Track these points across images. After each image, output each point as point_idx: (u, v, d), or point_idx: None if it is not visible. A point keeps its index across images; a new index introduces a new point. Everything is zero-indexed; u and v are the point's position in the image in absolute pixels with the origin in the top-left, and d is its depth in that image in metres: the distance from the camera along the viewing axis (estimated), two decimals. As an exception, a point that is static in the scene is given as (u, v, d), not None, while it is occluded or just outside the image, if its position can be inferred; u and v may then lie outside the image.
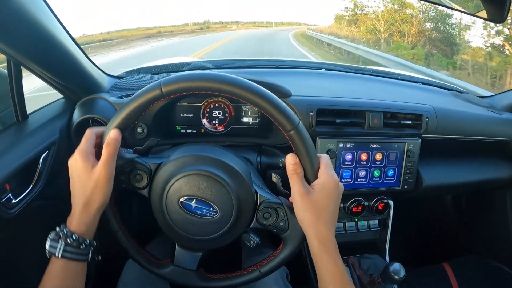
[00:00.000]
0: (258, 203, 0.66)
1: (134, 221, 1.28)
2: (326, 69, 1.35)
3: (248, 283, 0.70)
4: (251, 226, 0.67)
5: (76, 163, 0.58)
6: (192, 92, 0.58)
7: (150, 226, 1.03)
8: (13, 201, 0.75)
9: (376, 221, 1.16)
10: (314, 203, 0.59)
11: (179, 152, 0.67)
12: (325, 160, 0.62)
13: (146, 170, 0.65)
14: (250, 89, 0.57)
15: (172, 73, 1.17)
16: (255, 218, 0.67)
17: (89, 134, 0.61)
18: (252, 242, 0.70)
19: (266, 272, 0.69)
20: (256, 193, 0.66)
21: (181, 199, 0.64)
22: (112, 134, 0.58)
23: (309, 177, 0.61)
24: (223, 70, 1.28)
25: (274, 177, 0.71)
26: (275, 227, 0.66)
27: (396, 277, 0.94)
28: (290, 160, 0.60)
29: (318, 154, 0.62)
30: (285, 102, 0.60)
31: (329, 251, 0.59)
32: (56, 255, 0.55)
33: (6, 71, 0.86)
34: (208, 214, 0.64)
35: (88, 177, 0.58)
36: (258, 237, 0.70)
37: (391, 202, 1.12)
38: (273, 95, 0.58)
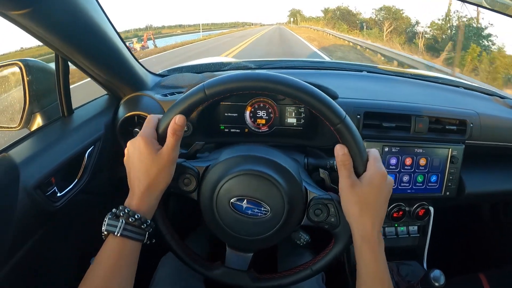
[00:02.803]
0: (309, 200, 0.66)
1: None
2: (368, 72, 1.34)
3: (300, 281, 0.69)
4: (302, 223, 0.67)
5: (139, 147, 0.59)
6: (235, 92, 0.58)
7: (184, 224, 1.04)
8: (58, 194, 0.77)
9: (416, 228, 1.14)
10: (360, 196, 0.58)
11: (226, 153, 0.68)
12: (374, 153, 0.62)
13: (194, 174, 0.66)
14: (294, 85, 0.57)
15: (214, 72, 1.18)
16: (305, 216, 0.66)
17: (152, 119, 0.62)
18: (302, 240, 0.70)
19: (318, 270, 0.68)
20: (306, 190, 0.66)
21: (232, 200, 0.64)
22: (178, 121, 0.58)
23: (358, 168, 0.60)
24: (265, 70, 1.27)
25: (322, 173, 0.71)
26: (326, 223, 0.65)
27: (436, 284, 0.93)
28: (339, 151, 0.59)
29: (368, 149, 0.62)
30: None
31: (371, 247, 0.58)
32: (116, 233, 0.56)
33: (51, 67, 0.88)
34: (259, 214, 0.64)
35: (152, 161, 0.58)
36: (308, 235, 0.70)
37: (431, 209, 1.10)
38: (318, 90, 0.58)
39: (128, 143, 0.61)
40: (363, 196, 0.58)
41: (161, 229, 0.69)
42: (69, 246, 0.91)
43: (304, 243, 0.70)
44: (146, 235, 0.59)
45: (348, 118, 0.58)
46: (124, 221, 0.56)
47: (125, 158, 0.62)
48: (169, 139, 0.59)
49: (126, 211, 0.57)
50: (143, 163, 0.58)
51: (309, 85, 0.58)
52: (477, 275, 1.36)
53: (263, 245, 0.69)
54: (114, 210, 0.58)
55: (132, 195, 0.59)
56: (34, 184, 0.69)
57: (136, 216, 0.57)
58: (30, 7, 0.57)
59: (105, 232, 0.57)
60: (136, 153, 0.59)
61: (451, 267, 1.41)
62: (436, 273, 0.96)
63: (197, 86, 0.58)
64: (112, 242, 0.56)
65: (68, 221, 0.87)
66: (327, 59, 10.43)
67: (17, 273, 0.69)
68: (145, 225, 0.58)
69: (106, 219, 0.57)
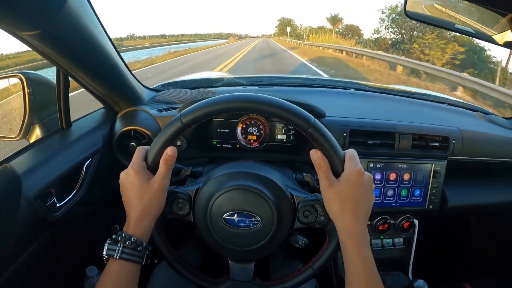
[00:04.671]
0: (296, 204, 0.69)
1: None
2: (356, 89, 1.39)
3: (304, 282, 0.72)
4: (294, 227, 0.70)
5: (131, 177, 0.64)
6: (210, 117, 0.63)
7: (176, 235, 1.06)
8: (57, 205, 0.80)
9: (401, 239, 1.17)
10: (338, 195, 0.61)
11: (212, 174, 0.72)
12: (350, 153, 0.65)
13: (186, 198, 0.70)
14: (262, 101, 0.61)
15: (207, 88, 1.22)
16: (296, 219, 0.69)
17: (141, 151, 0.66)
18: (300, 243, 0.74)
19: (318, 268, 0.71)
20: (292, 195, 0.70)
21: (224, 216, 0.67)
22: (169, 152, 0.63)
23: (336, 168, 0.63)
24: (256, 87, 1.33)
25: (306, 176, 0.75)
26: (317, 222, 0.68)
27: (420, 293, 0.96)
28: (314, 155, 0.63)
29: (345, 150, 0.65)
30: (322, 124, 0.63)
31: (354, 240, 0.61)
32: (115, 256, 0.60)
33: (51, 80, 0.91)
34: (251, 225, 0.67)
35: (145, 189, 0.63)
36: (305, 237, 0.74)
37: (416, 221, 1.14)
38: (283, 100, 0.62)
39: (121, 174, 0.66)
40: (341, 194, 0.61)
41: (166, 256, 0.73)
42: (66, 255, 0.93)
43: (303, 245, 0.74)
44: (144, 258, 0.64)
45: (317, 122, 0.62)
46: (121, 245, 0.61)
47: (120, 188, 0.67)
48: (161, 168, 0.64)
49: (123, 235, 0.62)
50: (135, 192, 0.63)
51: (276, 98, 0.62)
52: (463, 286, 1.40)
53: (263, 253, 0.72)
54: (114, 236, 0.62)
55: (128, 221, 0.64)
56: (35, 194, 0.72)
57: (132, 239, 0.61)
58: (39, 30, 0.61)
59: (106, 256, 0.61)
60: (128, 184, 0.64)
61: (437, 277, 1.45)
62: (420, 283, 0.99)
63: (175, 117, 0.63)
64: (112, 265, 0.61)
65: (66, 230, 0.89)
66: (325, 76, 10.29)
67: (16, 280, 0.71)
68: (140, 247, 0.62)
69: (106, 245, 0.62)
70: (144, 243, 0.63)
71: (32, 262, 0.76)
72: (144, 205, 0.63)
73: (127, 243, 0.61)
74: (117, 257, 0.60)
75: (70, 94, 0.90)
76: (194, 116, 0.62)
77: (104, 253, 0.61)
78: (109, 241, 0.62)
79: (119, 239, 0.61)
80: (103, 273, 0.61)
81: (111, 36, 0.85)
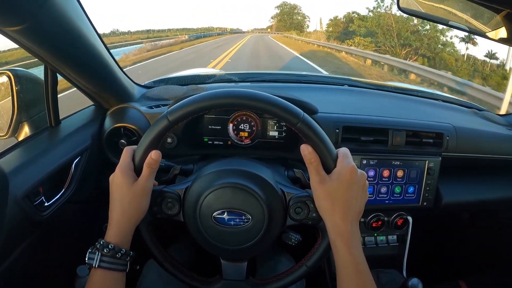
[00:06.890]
0: (287, 200, 0.68)
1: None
2: (349, 85, 1.38)
3: (298, 280, 0.71)
4: (286, 224, 0.69)
5: (117, 178, 0.62)
6: (197, 114, 0.61)
7: (168, 234, 1.05)
8: (46, 204, 0.78)
9: (395, 237, 1.17)
10: (329, 192, 0.60)
11: (201, 172, 0.71)
12: (342, 151, 0.63)
13: (175, 197, 0.68)
14: (248, 97, 0.60)
15: (199, 85, 1.21)
16: (288, 216, 0.68)
17: (128, 151, 0.65)
18: (293, 240, 0.72)
19: (312, 266, 0.69)
20: (283, 191, 0.68)
21: (214, 214, 0.66)
22: (153, 156, 0.62)
23: (327, 165, 0.61)
24: (248, 83, 1.32)
25: (297, 172, 0.74)
26: (309, 219, 0.67)
27: (414, 292, 0.96)
28: (304, 150, 0.61)
29: (337, 149, 0.63)
30: (312, 119, 0.62)
31: (344, 240, 0.59)
32: (94, 266, 0.58)
33: (39, 77, 0.90)
34: (241, 223, 0.66)
35: (127, 191, 0.61)
36: (298, 234, 0.72)
37: (410, 218, 1.13)
38: (271, 95, 0.60)
39: (110, 177, 0.64)
40: (332, 191, 0.60)
41: (157, 257, 0.71)
42: (56, 255, 0.92)
43: (296, 242, 0.72)
44: (128, 265, 0.62)
45: (306, 116, 0.60)
46: (99, 253, 0.59)
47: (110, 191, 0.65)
48: (144, 171, 0.63)
49: (101, 243, 0.60)
50: (119, 192, 0.62)
51: (264, 93, 0.61)
52: (457, 282, 1.40)
53: (255, 251, 0.72)
54: (96, 243, 0.61)
55: (109, 225, 0.62)
56: (22, 193, 0.70)
57: (110, 247, 0.59)
58: (23, 24, 0.59)
59: (88, 266, 0.60)
60: (114, 185, 0.63)
61: (431, 275, 1.45)
62: (414, 281, 0.99)
63: (161, 115, 0.62)
64: (94, 275, 0.59)
65: (55, 230, 0.88)
66: (324, 72, 10.21)
67: (5, 281, 0.70)
68: (119, 254, 0.60)
69: (88, 253, 0.60)
70: (124, 249, 0.61)
71: (20, 263, 0.75)
72: (125, 207, 0.62)
73: (105, 250, 0.59)
74: (96, 266, 0.59)
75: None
76: (180, 114, 0.60)
77: (86, 260, 0.60)
78: (90, 249, 0.61)
79: (98, 247, 0.60)
80: (87, 283, 0.60)
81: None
